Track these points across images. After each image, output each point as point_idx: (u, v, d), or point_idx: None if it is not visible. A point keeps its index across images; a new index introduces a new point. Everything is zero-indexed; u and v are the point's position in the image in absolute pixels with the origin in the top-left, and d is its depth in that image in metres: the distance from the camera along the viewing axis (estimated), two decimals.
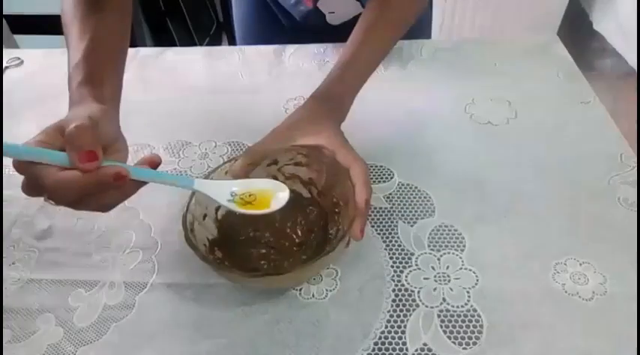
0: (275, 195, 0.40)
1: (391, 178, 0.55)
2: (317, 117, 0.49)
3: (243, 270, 0.44)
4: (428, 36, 0.88)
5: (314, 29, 0.77)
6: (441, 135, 0.60)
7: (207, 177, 0.45)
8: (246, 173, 0.46)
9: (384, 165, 0.56)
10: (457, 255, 0.46)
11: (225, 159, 0.47)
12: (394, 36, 0.57)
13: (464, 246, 0.47)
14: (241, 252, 0.46)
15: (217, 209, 0.47)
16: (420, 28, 0.84)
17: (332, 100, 0.51)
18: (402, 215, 0.51)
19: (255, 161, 0.47)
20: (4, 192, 0.56)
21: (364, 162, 0.45)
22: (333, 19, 0.76)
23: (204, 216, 0.45)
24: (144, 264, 0.48)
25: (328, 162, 0.45)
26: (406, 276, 0.45)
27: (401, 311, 0.42)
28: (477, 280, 0.44)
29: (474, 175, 0.54)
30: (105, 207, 0.37)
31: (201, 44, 1.92)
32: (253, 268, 0.45)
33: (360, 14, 0.62)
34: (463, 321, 0.41)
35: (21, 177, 0.33)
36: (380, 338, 0.41)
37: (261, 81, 0.72)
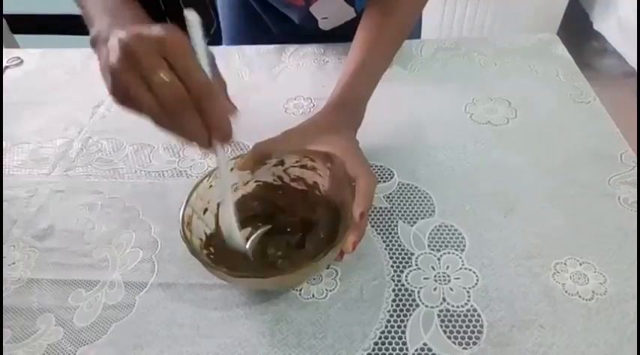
0: None
1: (391, 178, 0.55)
2: (332, 125, 0.49)
3: (234, 268, 0.44)
4: (418, 36, 0.88)
5: (304, 36, 0.77)
6: (441, 135, 0.60)
7: (210, 174, 0.45)
8: (249, 168, 0.47)
9: (384, 165, 0.56)
10: (457, 255, 0.46)
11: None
12: (400, 39, 0.58)
13: (464, 246, 0.47)
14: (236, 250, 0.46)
15: (219, 204, 0.47)
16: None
17: (347, 108, 0.51)
18: (402, 215, 0.51)
19: (261, 158, 0.47)
20: (4, 192, 0.56)
21: (373, 176, 0.45)
22: (326, 25, 0.76)
23: (205, 210, 0.45)
24: (144, 264, 0.48)
25: (333, 168, 0.45)
26: (406, 276, 0.45)
27: (401, 311, 0.42)
28: (477, 280, 0.44)
29: (473, 175, 0.54)
30: (186, 128, 0.33)
31: None
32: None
33: (351, 20, 0.62)
34: (463, 321, 0.41)
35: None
36: (380, 338, 0.41)
37: (261, 81, 0.72)
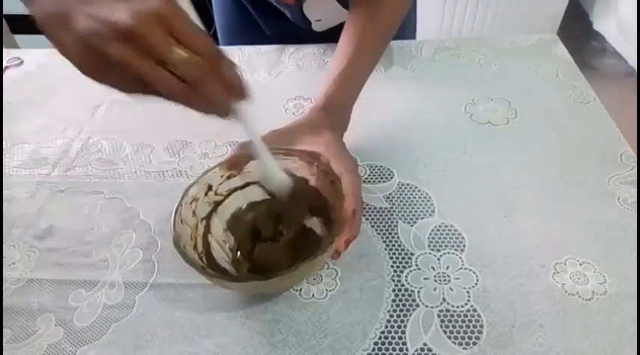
0: None
1: (391, 178, 0.55)
2: (317, 126, 0.49)
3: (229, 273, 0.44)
4: (413, 36, 0.87)
5: (298, 38, 0.77)
6: (441, 135, 0.60)
7: (205, 173, 0.45)
8: (233, 168, 0.46)
9: (384, 165, 0.56)
10: (457, 255, 0.46)
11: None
12: (385, 40, 0.58)
13: (464, 246, 0.47)
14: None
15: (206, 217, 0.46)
16: (404, 29, 0.83)
17: (332, 111, 0.51)
18: (402, 215, 0.51)
19: (245, 159, 0.46)
20: (4, 192, 0.56)
21: (356, 174, 0.44)
22: (319, 27, 0.76)
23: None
24: (144, 264, 0.48)
25: (321, 168, 0.45)
26: (406, 276, 0.45)
27: (401, 311, 0.42)
28: (477, 280, 0.44)
29: (474, 175, 0.54)
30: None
31: None
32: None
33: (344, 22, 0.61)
34: (463, 321, 0.41)
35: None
36: (380, 338, 0.41)
37: (261, 81, 0.72)
